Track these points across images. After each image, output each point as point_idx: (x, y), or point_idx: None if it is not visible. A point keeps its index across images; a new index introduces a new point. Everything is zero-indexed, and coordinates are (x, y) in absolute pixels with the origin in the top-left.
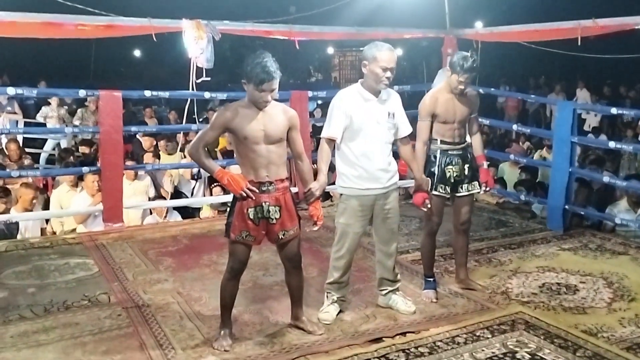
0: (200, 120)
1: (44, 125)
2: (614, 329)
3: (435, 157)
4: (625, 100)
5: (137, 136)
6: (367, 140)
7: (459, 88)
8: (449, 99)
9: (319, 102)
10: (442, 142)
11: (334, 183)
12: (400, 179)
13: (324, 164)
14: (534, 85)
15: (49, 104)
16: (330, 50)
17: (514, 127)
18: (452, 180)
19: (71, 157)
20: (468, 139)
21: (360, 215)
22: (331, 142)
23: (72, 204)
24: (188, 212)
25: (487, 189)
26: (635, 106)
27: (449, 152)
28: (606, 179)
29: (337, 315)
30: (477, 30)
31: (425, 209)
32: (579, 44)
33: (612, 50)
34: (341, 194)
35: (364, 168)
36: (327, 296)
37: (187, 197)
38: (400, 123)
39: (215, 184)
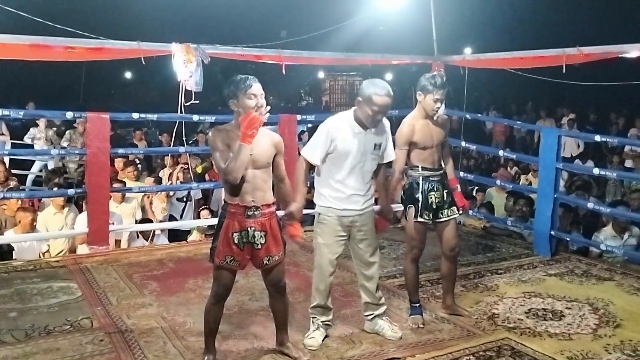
0: (190, 142)
1: (31, 146)
2: (600, 356)
3: (417, 183)
4: (612, 127)
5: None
6: (349, 170)
7: (436, 107)
8: (425, 124)
9: (309, 125)
10: (423, 168)
11: None
12: None
13: (302, 185)
14: (517, 111)
15: (37, 125)
16: (321, 74)
17: (501, 152)
18: (434, 207)
19: (57, 179)
20: (442, 164)
21: (337, 235)
22: (310, 164)
23: (76, 224)
24: (177, 235)
25: (462, 212)
26: (621, 132)
27: (430, 179)
28: (591, 205)
29: (322, 340)
30: (464, 56)
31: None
32: (564, 71)
33: (598, 77)
34: (319, 214)
35: (343, 192)
36: (312, 321)
37: (176, 219)
38: (386, 151)
39: (203, 207)
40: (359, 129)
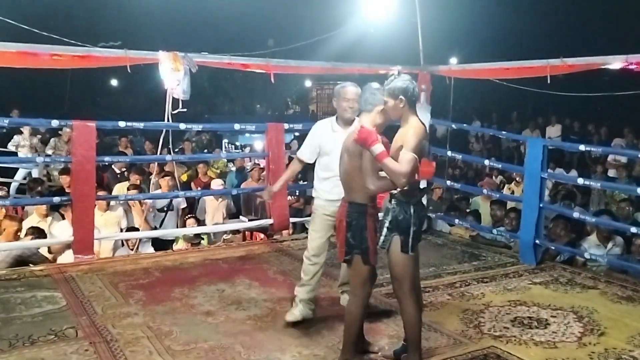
0: (176, 150)
1: (15, 154)
2: None
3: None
4: (593, 137)
5: (113, 166)
6: (333, 166)
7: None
8: None
9: (296, 134)
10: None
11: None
12: None
13: (284, 175)
14: (498, 120)
15: (22, 132)
16: (308, 83)
17: (486, 162)
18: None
19: (40, 187)
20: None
21: (326, 222)
22: (300, 161)
23: (54, 231)
24: (159, 245)
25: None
26: (604, 142)
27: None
28: (576, 214)
29: (302, 318)
30: (450, 66)
31: None
32: (549, 81)
33: (582, 88)
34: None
35: (331, 185)
36: (295, 299)
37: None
38: None
39: (189, 216)
40: (338, 128)
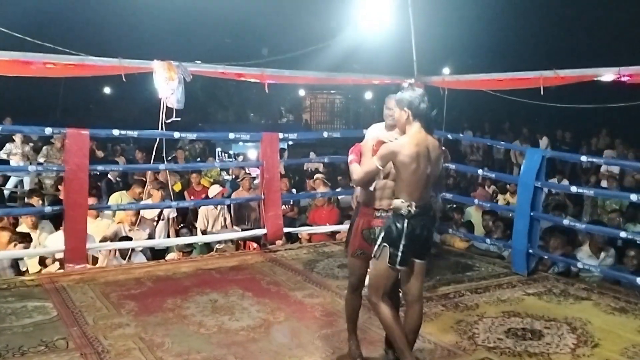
0: (169, 159)
1: (6, 162)
2: None
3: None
4: (584, 148)
5: (109, 175)
6: None
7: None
8: None
9: (290, 142)
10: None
11: (303, 225)
12: None
13: None
14: (490, 130)
15: (14, 140)
16: (302, 92)
17: (480, 172)
18: None
19: (36, 197)
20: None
21: None
22: None
23: (49, 242)
24: (151, 254)
25: None
26: (594, 153)
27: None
28: (566, 222)
29: None
30: (443, 77)
31: None
32: (542, 93)
33: (575, 99)
34: None
35: None
36: None
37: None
38: None
39: (182, 225)
40: (383, 133)
